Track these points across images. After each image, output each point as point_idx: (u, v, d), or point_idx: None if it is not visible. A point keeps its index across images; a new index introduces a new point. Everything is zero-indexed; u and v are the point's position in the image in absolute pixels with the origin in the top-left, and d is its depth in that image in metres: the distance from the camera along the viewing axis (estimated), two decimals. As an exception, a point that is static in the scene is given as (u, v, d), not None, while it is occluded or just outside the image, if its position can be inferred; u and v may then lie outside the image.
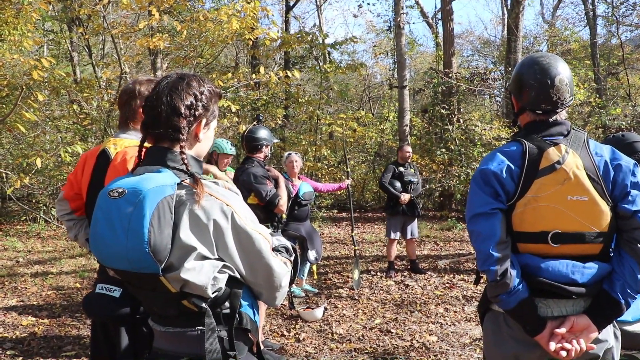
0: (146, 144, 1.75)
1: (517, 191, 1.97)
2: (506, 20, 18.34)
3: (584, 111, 14.29)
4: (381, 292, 7.06)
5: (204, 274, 1.55)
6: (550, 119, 2.08)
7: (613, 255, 2.03)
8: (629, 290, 1.95)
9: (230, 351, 1.66)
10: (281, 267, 1.71)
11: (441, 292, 6.99)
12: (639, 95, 21.36)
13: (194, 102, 1.69)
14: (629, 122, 14.47)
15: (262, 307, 4.74)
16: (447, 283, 7.36)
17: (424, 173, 13.61)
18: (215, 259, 1.60)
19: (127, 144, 2.55)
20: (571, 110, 13.09)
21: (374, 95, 21.13)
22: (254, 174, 4.62)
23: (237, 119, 11.86)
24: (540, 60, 2.10)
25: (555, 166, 1.95)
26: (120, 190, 1.58)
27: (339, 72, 14.79)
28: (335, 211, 14.80)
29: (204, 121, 1.75)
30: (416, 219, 7.86)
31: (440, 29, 17.21)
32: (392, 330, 5.57)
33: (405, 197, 7.53)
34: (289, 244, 1.90)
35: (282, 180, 4.83)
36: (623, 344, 2.52)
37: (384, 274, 7.90)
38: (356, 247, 7.56)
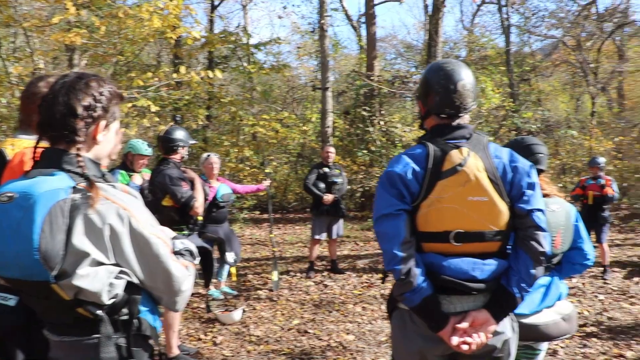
0: (42, 145, 1.69)
1: (421, 193, 2.04)
2: (427, 25, 18.84)
3: (499, 114, 14.85)
4: (300, 292, 7.10)
5: (98, 280, 1.52)
6: (454, 123, 2.17)
7: (510, 252, 2.14)
8: (523, 285, 2.06)
9: (128, 359, 1.63)
10: (181, 271, 1.69)
11: (359, 291, 7.10)
12: (547, 100, 22.50)
13: (93, 103, 1.65)
14: (538, 125, 15.21)
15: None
16: (366, 282, 7.49)
17: (345, 174, 13.76)
18: (112, 265, 1.56)
19: (25, 145, 2.44)
20: (487, 114, 13.61)
21: (297, 97, 21.18)
22: (170, 176, 4.54)
23: (157, 119, 11.58)
24: (445, 67, 2.20)
25: (457, 168, 2.03)
26: (9, 195, 1.52)
27: (262, 73, 14.71)
28: (258, 212, 14.74)
29: (103, 123, 1.71)
30: (341, 219, 7.95)
31: (363, 32, 17.44)
32: (309, 331, 5.61)
33: (328, 197, 7.60)
34: (193, 247, 1.88)
35: (198, 181, 4.77)
36: (520, 336, 2.66)
37: (304, 274, 7.95)
38: (275, 249, 7.57)
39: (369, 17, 15.45)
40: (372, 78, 13.87)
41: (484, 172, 2.05)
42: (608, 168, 14.87)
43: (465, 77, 2.16)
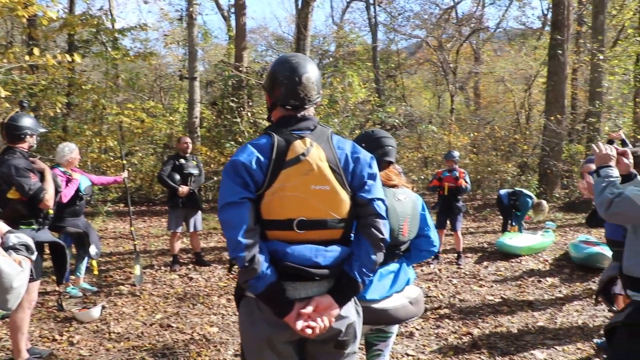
0: None
1: (265, 181, 2.06)
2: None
3: (365, 109, 15.34)
4: (164, 286, 6.92)
5: None
6: (299, 115, 2.21)
7: (352, 239, 2.21)
8: (364, 270, 2.14)
9: None
10: (11, 267, 1.58)
11: (225, 283, 7.05)
12: (411, 97, 23.64)
13: None
14: (402, 120, 15.92)
15: (27, 311, 4.36)
16: (231, 274, 7.44)
17: (212, 165, 13.59)
18: None
19: None
20: (354, 108, 13.97)
21: (165, 86, 20.56)
22: (16, 166, 4.18)
23: (7, 105, 10.72)
24: (291, 60, 2.24)
25: (300, 158, 2.08)
26: None
27: (127, 60, 14.08)
28: (122, 205, 14.15)
29: None
30: (200, 212, 7.79)
31: (234, 23, 17.27)
32: (172, 325, 5.49)
33: (183, 189, 7.42)
34: (30, 241, 1.76)
35: (48, 172, 4.45)
36: (372, 320, 2.77)
37: (169, 268, 7.76)
38: (136, 242, 7.31)
39: (239, 7, 15.32)
40: (240, 69, 13.77)
41: (326, 162, 2.11)
42: (465, 162, 15.93)
43: (310, 71, 2.22)
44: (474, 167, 16.48)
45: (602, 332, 4.77)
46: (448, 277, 7.55)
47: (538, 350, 4.83)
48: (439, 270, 7.92)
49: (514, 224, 9.81)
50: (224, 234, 2.08)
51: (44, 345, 4.96)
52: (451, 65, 20.23)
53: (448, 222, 8.42)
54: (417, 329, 5.39)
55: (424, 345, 4.98)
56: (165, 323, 5.55)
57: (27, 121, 4.43)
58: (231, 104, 13.73)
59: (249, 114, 13.53)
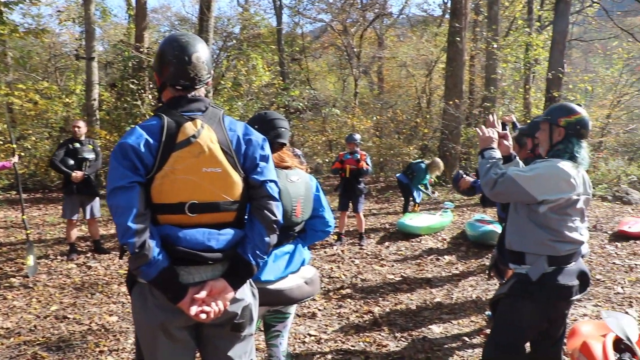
0: None
1: (155, 164, 2.01)
2: (200, 0, 18.57)
3: (270, 92, 15.29)
4: (60, 276, 6.63)
5: None
6: (189, 95, 2.17)
7: (246, 222, 2.21)
8: (258, 252, 2.15)
9: None
10: None
11: (125, 270, 6.83)
12: (316, 80, 23.78)
13: None
14: (306, 103, 16.00)
15: None
16: (124, 260, 7.22)
17: (112, 149, 13.08)
18: None
19: None
20: (258, 91, 13.91)
21: (60, 66, 19.49)
22: None
23: None
24: (180, 38, 2.20)
25: (191, 140, 2.05)
26: None
27: (16, 37, 13.21)
28: (14, 193, 13.35)
29: None
30: (97, 198, 7.48)
31: (134, 1, 16.60)
32: (69, 316, 5.29)
33: (77, 174, 7.10)
34: None
35: None
36: (268, 301, 2.80)
37: (65, 257, 7.42)
38: (29, 231, 6.94)
39: (139, -16, 14.75)
40: (141, 50, 13.31)
41: (217, 144, 2.09)
42: (368, 144, 16.26)
43: (200, 50, 2.19)
44: (377, 150, 16.85)
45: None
46: (350, 257, 7.72)
47: (435, 324, 5.05)
48: (342, 251, 8.07)
49: (417, 201, 10.16)
50: (113, 220, 2.01)
51: None
52: (355, 49, 20.49)
53: (350, 204, 8.58)
54: (319, 310, 5.49)
55: (326, 325, 5.07)
56: (61, 315, 5.32)
57: None
58: (131, 86, 13.26)
59: (150, 97, 13.13)
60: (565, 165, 2.80)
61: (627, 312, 5.30)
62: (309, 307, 5.52)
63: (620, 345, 3.64)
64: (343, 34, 20.96)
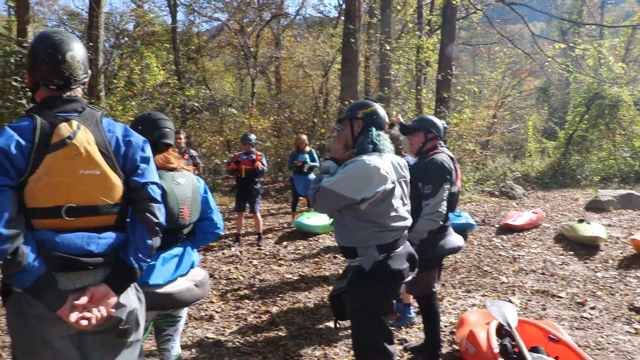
0: None
1: (28, 167, 1.93)
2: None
3: (164, 91, 14.92)
4: None
5: None
6: (65, 95, 2.11)
7: (128, 225, 2.16)
8: (141, 255, 2.11)
9: None
10: None
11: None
12: (213, 80, 23.47)
13: None
14: (202, 103, 15.75)
15: None
16: None
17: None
18: None
19: None
20: (152, 90, 13.53)
21: None
22: None
23: None
24: (53, 36, 2.12)
25: (66, 141, 1.98)
26: None
27: None
28: None
29: None
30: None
31: (15, -7, 15.62)
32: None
33: None
34: None
35: None
36: (158, 305, 2.75)
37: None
38: None
39: (19, -24, 13.89)
40: (24, 45, 12.55)
41: (94, 145, 2.04)
42: (266, 145, 16.26)
43: (75, 48, 2.13)
44: (275, 150, 16.89)
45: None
46: (249, 258, 7.71)
47: (332, 321, 5.14)
48: (240, 252, 8.04)
49: (302, 194, 10.08)
50: None
51: None
52: (252, 49, 20.43)
53: (248, 204, 8.56)
54: (217, 312, 5.45)
55: (224, 327, 5.05)
56: None
57: None
58: (14, 83, 12.47)
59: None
60: (371, 159, 2.91)
61: (510, 300, 5.67)
62: (206, 310, 5.47)
63: (502, 332, 3.90)
64: (240, 34, 20.82)
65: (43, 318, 1.98)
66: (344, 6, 19.35)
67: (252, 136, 8.69)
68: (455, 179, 4.11)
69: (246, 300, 5.83)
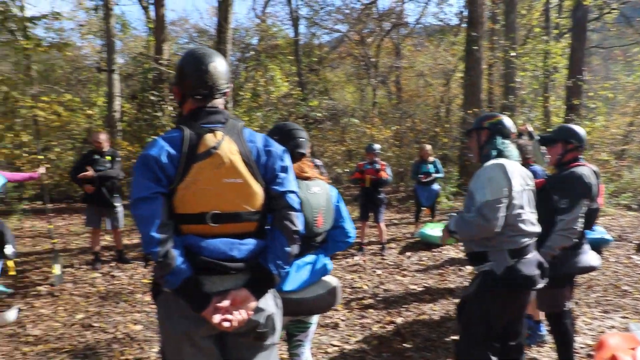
0: None
1: (177, 175, 2.06)
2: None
3: (288, 102, 15.37)
4: (85, 285, 6.72)
5: None
6: (208, 105, 2.24)
7: (268, 232, 2.24)
8: (279, 262, 2.18)
9: None
10: None
11: (149, 280, 6.91)
12: (335, 90, 23.84)
13: None
14: (324, 113, 16.03)
15: None
16: (149, 269, 7.29)
17: (133, 160, 13.19)
18: None
19: None
20: (276, 101, 13.99)
21: (83, 78, 19.79)
22: None
23: None
24: (197, 51, 2.30)
25: (212, 151, 2.10)
26: None
27: (40, 51, 13.46)
28: (39, 203, 13.55)
29: None
30: (119, 209, 7.50)
31: (153, 14, 16.82)
32: (94, 324, 5.35)
33: (88, 186, 7.20)
34: None
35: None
36: (291, 311, 2.83)
37: (90, 266, 7.52)
38: (55, 240, 7.04)
39: (157, -2, 14.94)
40: (160, 62, 13.47)
41: (238, 155, 2.14)
42: (387, 154, 16.25)
43: (217, 60, 2.28)
44: (396, 160, 16.82)
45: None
46: (372, 268, 7.72)
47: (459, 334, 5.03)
48: (364, 261, 8.07)
49: (425, 204, 9.91)
50: (138, 229, 2.06)
51: (-46, 352, 4.73)
52: (373, 59, 20.56)
53: (371, 213, 8.60)
54: (342, 320, 5.49)
55: (349, 336, 5.08)
56: (86, 323, 5.39)
57: None
58: (152, 97, 13.40)
59: (170, 108, 13.26)
60: (497, 161, 3.01)
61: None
62: (331, 318, 5.54)
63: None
64: (360, 44, 21.04)
65: (189, 317, 2.11)
66: (465, 13, 18.97)
67: (377, 146, 8.72)
68: (597, 194, 3.88)
69: (370, 310, 5.84)
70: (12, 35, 14.16)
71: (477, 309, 2.99)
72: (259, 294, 2.17)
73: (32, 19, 13.64)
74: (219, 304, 2.06)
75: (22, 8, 13.76)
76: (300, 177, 2.98)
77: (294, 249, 2.23)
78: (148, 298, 6.16)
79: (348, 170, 16.34)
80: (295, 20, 21.68)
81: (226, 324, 2.05)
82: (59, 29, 18.58)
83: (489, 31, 17.55)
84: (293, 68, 18.61)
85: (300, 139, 3.10)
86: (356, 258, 8.25)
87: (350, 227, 3.20)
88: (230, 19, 12.77)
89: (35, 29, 15.22)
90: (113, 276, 7.12)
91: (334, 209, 3.13)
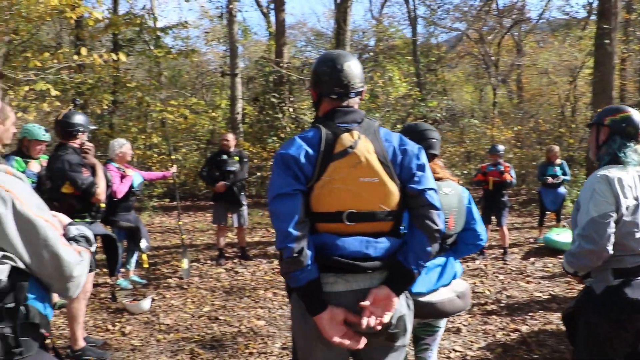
0: None
1: (314, 174, 2.07)
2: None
3: (407, 103, 15.22)
4: (211, 280, 7.03)
5: None
6: (344, 104, 2.24)
7: (407, 230, 2.20)
8: (420, 262, 2.13)
9: (15, 349, 1.53)
10: (72, 256, 1.62)
11: (270, 277, 7.11)
12: (453, 90, 23.34)
13: None
14: (444, 114, 15.72)
15: (83, 301, 4.50)
16: (276, 268, 7.50)
17: (255, 161, 13.65)
18: None
19: None
20: (395, 102, 13.89)
21: (207, 83, 20.80)
22: (69, 162, 4.30)
23: (58, 104, 11.02)
24: (331, 52, 2.36)
25: (348, 150, 2.08)
26: None
27: (170, 58, 14.31)
28: (167, 200, 14.40)
29: None
30: (244, 207, 7.83)
31: (273, 19, 17.34)
32: (220, 317, 5.57)
33: (219, 185, 7.50)
34: (89, 233, 1.80)
35: (99, 167, 4.56)
36: (419, 314, 2.76)
37: (214, 262, 7.87)
38: (183, 236, 7.42)
39: (278, 3, 15.34)
40: (281, 65, 13.82)
41: (374, 154, 2.11)
42: (508, 156, 15.66)
43: (351, 60, 2.27)
44: (518, 162, 16.19)
45: None
46: (494, 272, 7.46)
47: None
48: (485, 265, 7.82)
49: (549, 208, 9.43)
50: (273, 225, 2.08)
51: (98, 334, 5.11)
52: (493, 58, 19.91)
53: (494, 217, 8.32)
54: (464, 325, 5.35)
55: (472, 342, 4.93)
56: (213, 316, 5.63)
57: (79, 118, 4.55)
58: (273, 99, 13.81)
59: (291, 110, 13.59)
60: (604, 171, 2.65)
61: None
62: (453, 322, 5.40)
63: None
64: (479, 43, 20.45)
65: None
66: (594, 4, 17.87)
67: (501, 147, 8.42)
68: None
69: (494, 316, 5.63)
70: (146, 45, 15.15)
71: (584, 328, 2.75)
72: (398, 292, 2.14)
73: (164, 29, 14.54)
74: (361, 303, 2.04)
75: (155, 19, 14.69)
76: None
77: (435, 248, 2.17)
78: (270, 295, 6.33)
79: (467, 172, 15.93)
80: (412, 20, 21.48)
81: (372, 322, 2.03)
82: (185, 37, 19.68)
83: (622, 22, 16.41)
84: (411, 68, 18.41)
85: (433, 140, 3.05)
86: (477, 262, 8.01)
87: (481, 229, 3.10)
88: (349, 21, 12.88)
89: (165, 38, 16.17)
90: (236, 272, 7.39)
91: (466, 210, 3.04)
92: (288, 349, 4.63)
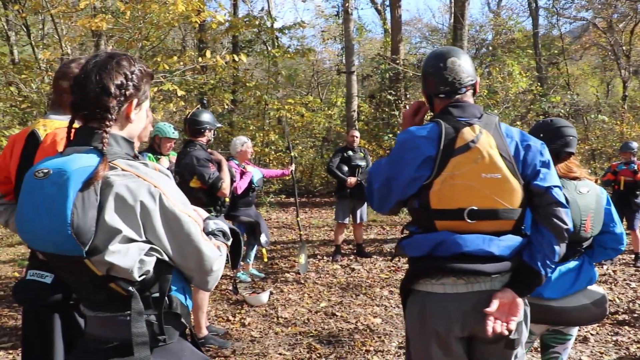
0: (75, 125, 1.69)
1: (434, 169, 2.02)
2: (453, 8, 18.58)
3: (527, 99, 14.63)
4: (327, 275, 7.11)
5: (129, 256, 1.50)
6: (458, 98, 2.18)
7: (532, 230, 2.10)
8: (548, 262, 2.02)
9: (160, 335, 1.62)
10: (212, 251, 1.68)
11: (386, 275, 7.08)
12: (577, 84, 22.07)
13: (124, 81, 1.63)
14: (567, 109, 14.92)
15: (206, 292, 4.71)
16: (393, 266, 7.45)
17: (370, 157, 13.67)
18: (143, 242, 1.55)
19: (57, 125, 2.43)
20: (514, 98, 13.41)
21: (322, 81, 21.12)
22: (197, 157, 4.55)
23: (183, 104, 11.65)
24: (434, 52, 2.31)
25: (470, 145, 2.01)
26: (45, 171, 1.52)
27: (287, 57, 14.69)
28: (283, 196, 14.79)
29: (135, 101, 1.69)
30: (366, 203, 7.84)
31: (388, 16, 17.27)
32: (337, 314, 5.61)
33: (351, 180, 7.55)
34: (226, 227, 1.87)
35: (224, 163, 4.78)
36: (550, 320, 2.63)
37: (331, 258, 7.96)
38: (302, 232, 7.56)
39: (394, 0, 15.28)
40: (397, 62, 13.74)
41: (496, 149, 2.03)
42: (638, 154, 14.58)
43: (455, 55, 2.19)
44: (650, 161, 15.02)
45: None
46: (625, 279, 6.95)
47: None
48: (614, 272, 7.32)
49: None
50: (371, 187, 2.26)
51: (219, 324, 5.32)
52: (623, 47, 18.58)
53: (624, 219, 7.75)
54: (592, 334, 5.03)
55: (601, 353, 4.62)
56: (329, 311, 5.69)
57: (207, 117, 4.79)
58: (388, 96, 13.78)
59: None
60: None
61: None
62: (579, 330, 5.09)
63: None
64: (608, 32, 19.17)
65: (442, 318, 2.04)
66: None
67: (634, 144, 7.85)
68: None
69: (626, 327, 5.24)
70: (264, 46, 15.62)
71: None
72: (524, 294, 2.05)
73: (281, 30, 14.93)
74: (486, 309, 1.97)
75: (273, 20, 15.12)
76: (568, 177, 2.79)
77: (563, 247, 2.06)
78: (386, 293, 6.31)
79: (590, 170, 15.02)
80: (533, 12, 20.57)
81: (499, 327, 1.97)
82: (301, 37, 20.09)
83: None
84: (532, 62, 17.63)
85: (570, 137, 2.87)
86: (605, 267, 7.50)
87: (621, 233, 2.88)
88: (466, 15, 12.55)
89: (282, 38, 16.60)
90: (352, 269, 7.43)
91: (605, 212, 2.85)
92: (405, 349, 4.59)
